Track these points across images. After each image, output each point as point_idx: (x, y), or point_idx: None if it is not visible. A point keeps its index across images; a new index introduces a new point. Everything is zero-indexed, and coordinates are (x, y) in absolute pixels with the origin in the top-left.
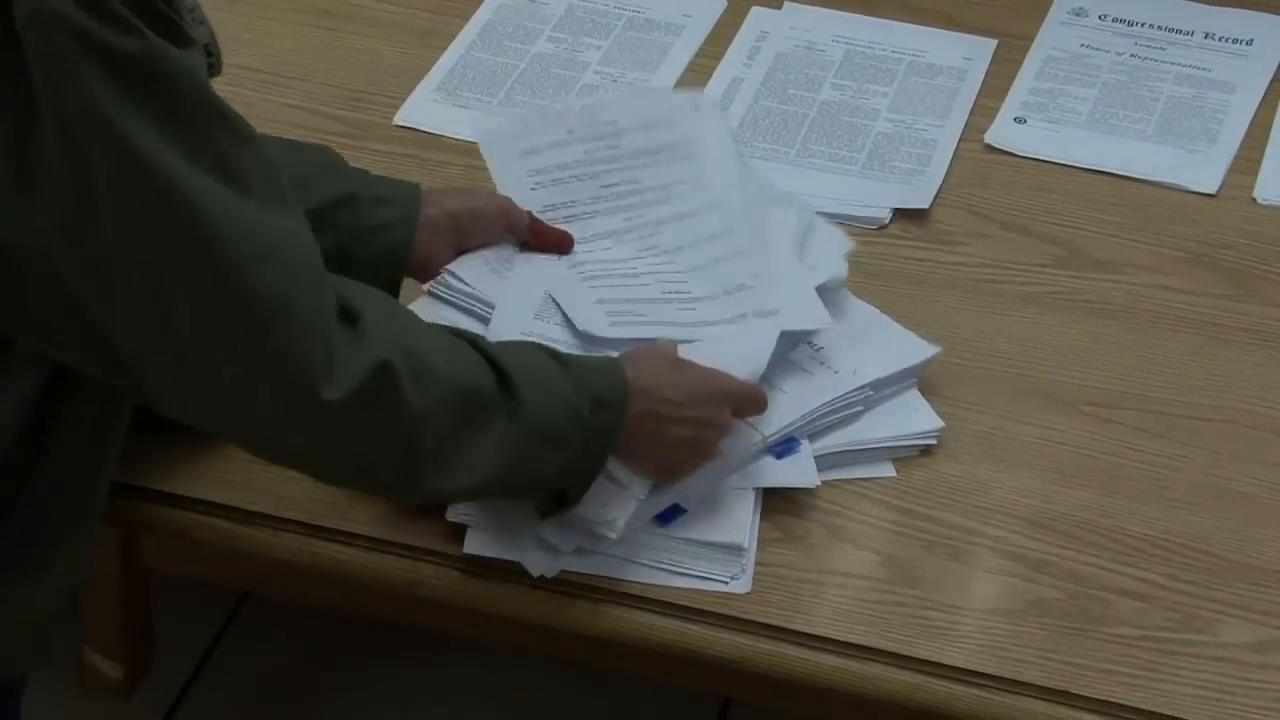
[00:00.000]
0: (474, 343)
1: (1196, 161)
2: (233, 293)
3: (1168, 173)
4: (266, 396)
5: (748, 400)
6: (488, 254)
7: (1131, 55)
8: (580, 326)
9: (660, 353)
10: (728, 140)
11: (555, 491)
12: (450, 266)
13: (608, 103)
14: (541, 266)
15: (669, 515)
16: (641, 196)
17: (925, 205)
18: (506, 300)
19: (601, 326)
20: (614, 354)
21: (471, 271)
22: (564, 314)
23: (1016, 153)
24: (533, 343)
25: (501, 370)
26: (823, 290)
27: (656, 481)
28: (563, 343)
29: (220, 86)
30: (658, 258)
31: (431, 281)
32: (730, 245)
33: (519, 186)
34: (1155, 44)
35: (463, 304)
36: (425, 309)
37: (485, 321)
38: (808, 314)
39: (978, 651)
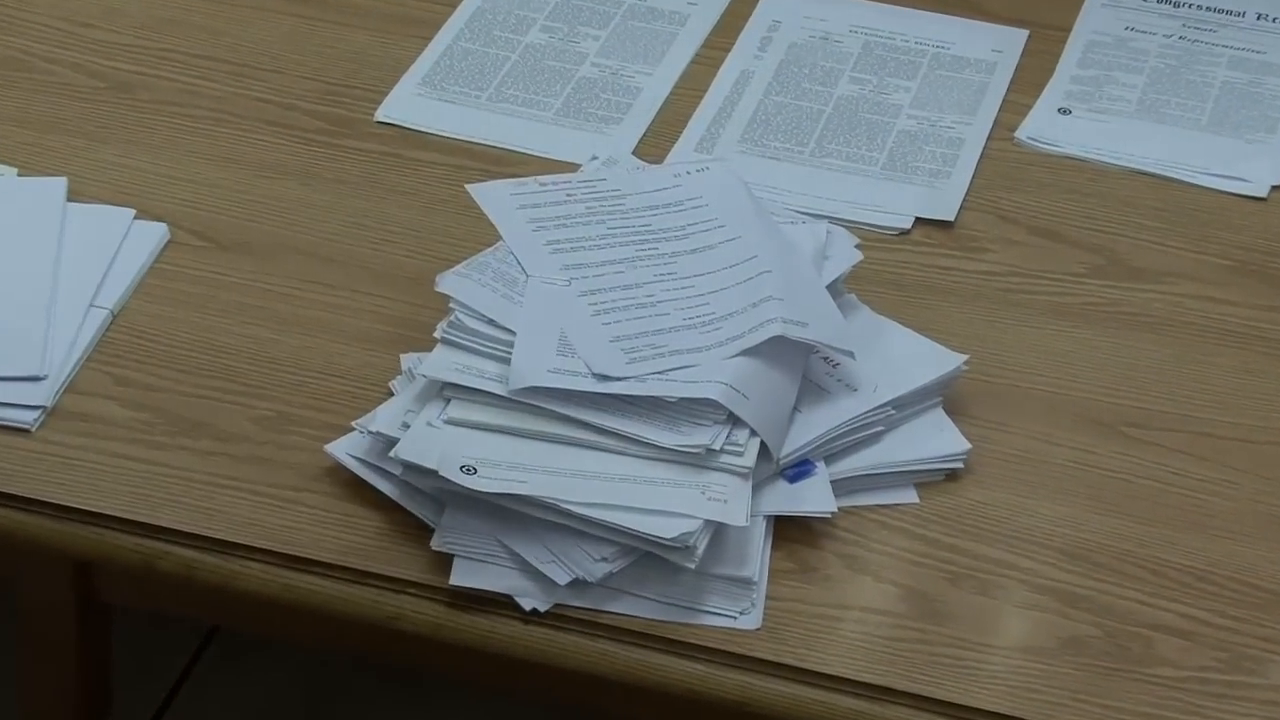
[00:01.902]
0: None
1: (1255, 152)
2: None
3: (1225, 166)
4: None
5: None
6: (488, 277)
7: (1180, 38)
8: (595, 369)
9: None
10: (742, 190)
11: None
12: (458, 297)
13: (608, 175)
14: (552, 296)
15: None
16: (654, 234)
17: (950, 217)
18: (527, 337)
19: (618, 366)
20: (632, 389)
21: (483, 301)
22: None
23: (1058, 148)
24: None
25: None
26: (837, 288)
27: None
28: (584, 375)
29: (188, 80)
30: (675, 283)
31: (441, 327)
32: (753, 268)
33: (519, 230)
34: (1205, 26)
35: (481, 347)
36: (440, 358)
37: (504, 361)
38: (837, 333)
39: (1007, 693)
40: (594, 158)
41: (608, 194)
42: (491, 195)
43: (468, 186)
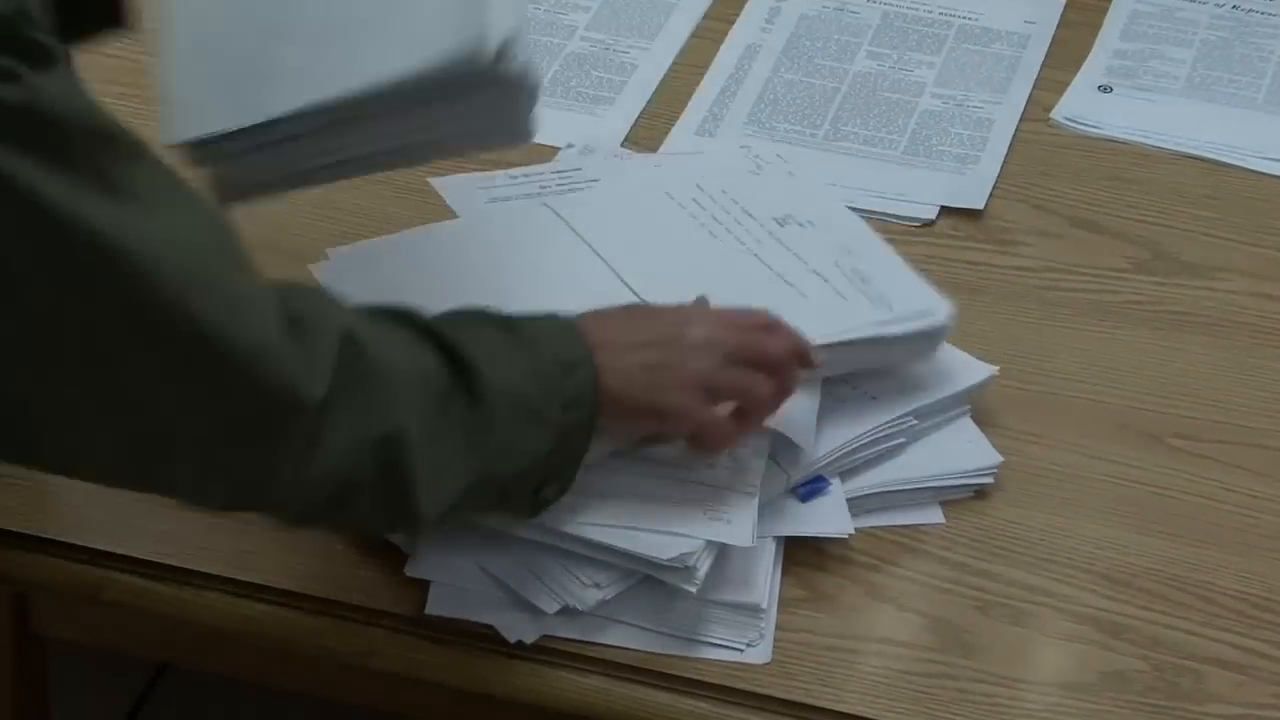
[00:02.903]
0: (411, 321)
1: None
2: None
3: None
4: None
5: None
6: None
7: (1233, 7)
8: None
9: (619, 307)
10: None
11: (536, 497)
12: None
13: (584, 165)
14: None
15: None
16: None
17: (979, 206)
18: None
19: None
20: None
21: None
22: None
23: (1098, 130)
24: (474, 310)
25: (450, 347)
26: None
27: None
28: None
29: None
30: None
31: None
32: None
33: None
34: None
35: None
36: None
37: None
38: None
39: None
40: (569, 145)
41: (584, 185)
42: (457, 189)
43: (430, 180)
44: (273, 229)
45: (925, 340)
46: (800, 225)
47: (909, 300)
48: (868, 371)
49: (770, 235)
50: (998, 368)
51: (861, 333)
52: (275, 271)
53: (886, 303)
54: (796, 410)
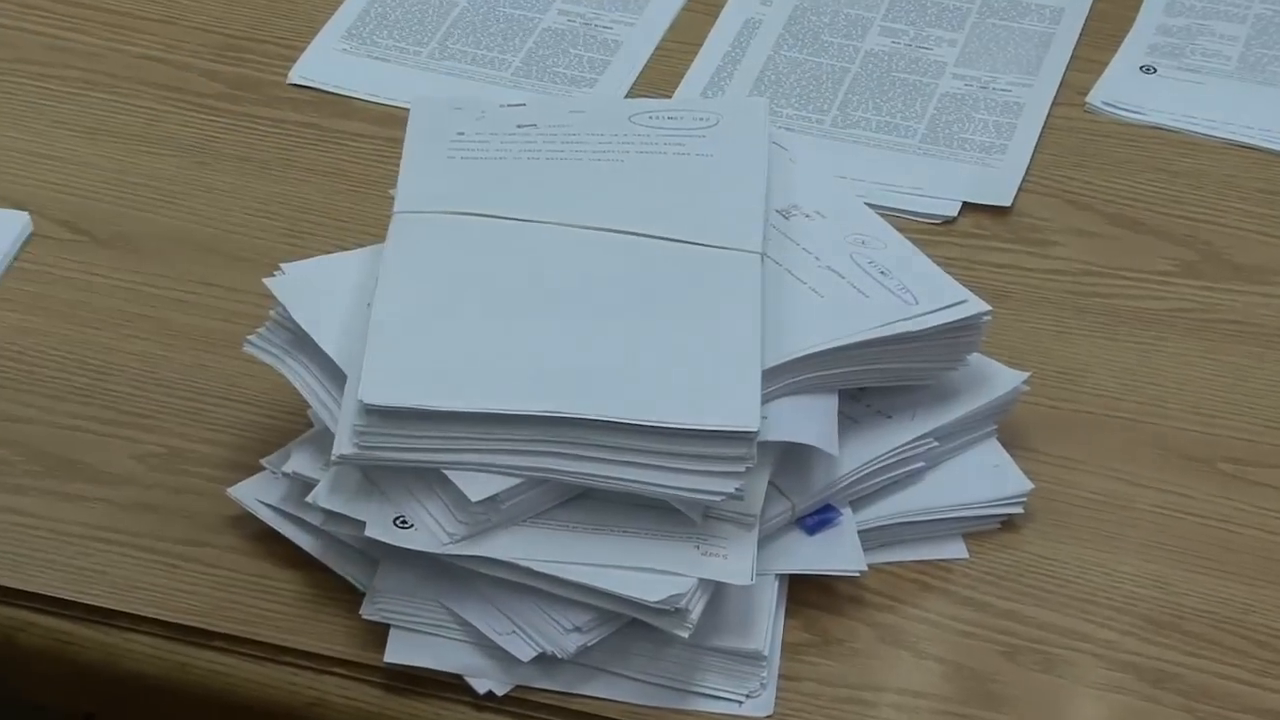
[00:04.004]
0: None
1: None
2: None
3: None
4: None
5: None
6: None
7: None
8: None
9: None
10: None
11: None
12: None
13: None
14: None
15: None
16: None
17: (1007, 202)
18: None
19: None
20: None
21: None
22: None
23: (1140, 116)
24: None
25: None
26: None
27: None
28: None
29: (55, 33)
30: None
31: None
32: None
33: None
34: None
35: None
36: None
37: None
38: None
39: None
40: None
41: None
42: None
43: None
44: (211, 226)
45: (959, 340)
46: (807, 216)
47: (936, 294)
48: (884, 386)
49: (775, 229)
50: (1028, 373)
51: (888, 330)
52: (217, 275)
53: (911, 296)
54: (812, 413)
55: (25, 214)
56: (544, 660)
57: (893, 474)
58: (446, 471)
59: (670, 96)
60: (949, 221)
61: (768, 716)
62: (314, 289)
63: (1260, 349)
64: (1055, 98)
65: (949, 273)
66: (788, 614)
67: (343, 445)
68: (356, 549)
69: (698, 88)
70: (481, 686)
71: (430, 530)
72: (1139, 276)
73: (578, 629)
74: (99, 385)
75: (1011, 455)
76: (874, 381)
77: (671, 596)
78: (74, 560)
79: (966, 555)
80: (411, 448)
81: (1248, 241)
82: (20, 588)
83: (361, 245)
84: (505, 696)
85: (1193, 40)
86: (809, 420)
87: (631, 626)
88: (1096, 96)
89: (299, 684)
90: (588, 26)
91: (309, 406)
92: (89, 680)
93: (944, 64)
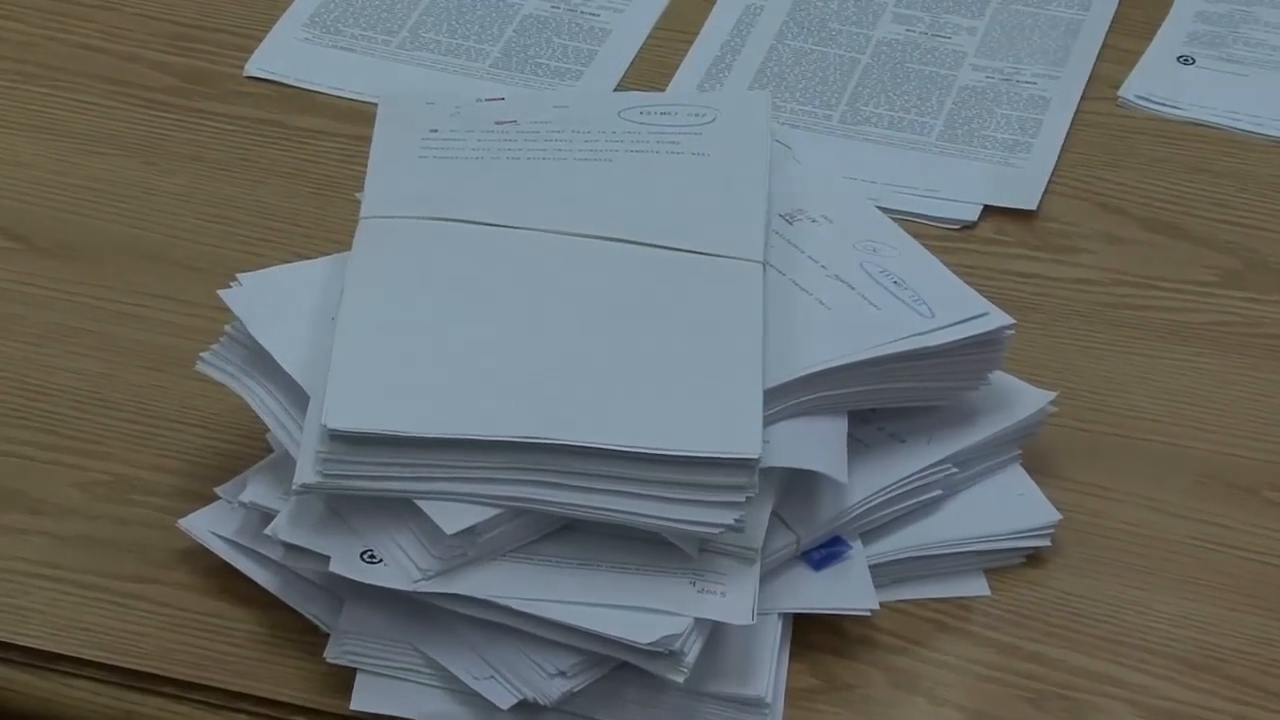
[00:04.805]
0: None
1: None
2: None
3: None
4: None
5: None
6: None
7: None
8: None
9: None
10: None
11: None
12: None
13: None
14: None
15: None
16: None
17: (1032, 205)
18: None
19: None
20: None
21: None
22: None
23: (1177, 111)
24: None
25: None
26: None
27: None
28: None
29: None
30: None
31: None
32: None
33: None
34: None
35: None
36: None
37: None
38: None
39: None
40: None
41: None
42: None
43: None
44: (161, 233)
45: (979, 357)
46: (813, 221)
47: (954, 306)
48: (897, 406)
49: (778, 235)
50: (1055, 393)
51: (901, 346)
52: (168, 287)
53: (927, 309)
54: (819, 437)
55: None
56: (525, 708)
57: (907, 503)
58: (419, 502)
59: (663, 90)
60: (968, 226)
61: None
62: (273, 301)
63: None
64: (1085, 91)
65: (968, 283)
66: (792, 657)
67: (305, 473)
68: (320, 586)
69: (693, 80)
70: None
71: (401, 566)
72: (1176, 287)
73: (562, 673)
74: (38, 407)
75: (1037, 483)
76: (887, 402)
77: (665, 638)
78: (10, 598)
79: (988, 592)
80: (380, 476)
81: None
82: None
83: (325, 253)
84: None
85: (1235, 28)
86: (815, 445)
87: (622, 671)
88: (1130, 90)
89: None
90: (573, 13)
91: (268, 430)
92: None
93: (963, 54)
